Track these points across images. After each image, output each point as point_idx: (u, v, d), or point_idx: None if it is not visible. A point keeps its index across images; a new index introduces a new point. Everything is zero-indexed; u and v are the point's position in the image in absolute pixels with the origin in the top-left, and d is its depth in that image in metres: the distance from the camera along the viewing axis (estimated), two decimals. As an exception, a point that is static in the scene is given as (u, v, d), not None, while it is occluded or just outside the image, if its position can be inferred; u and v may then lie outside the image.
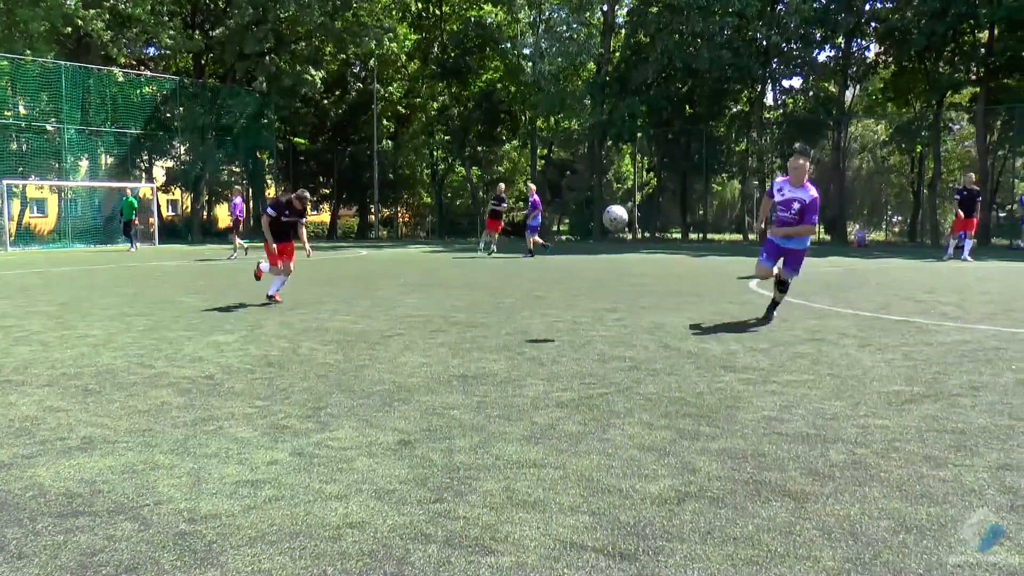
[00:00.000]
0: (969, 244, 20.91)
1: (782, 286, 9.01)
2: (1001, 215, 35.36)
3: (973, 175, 22.13)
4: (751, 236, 42.35)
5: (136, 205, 28.00)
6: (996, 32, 32.30)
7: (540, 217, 24.23)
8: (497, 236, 24.43)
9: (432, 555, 2.98)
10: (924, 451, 4.23)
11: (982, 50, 33.21)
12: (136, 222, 28.14)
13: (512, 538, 3.13)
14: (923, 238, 37.12)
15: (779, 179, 8.76)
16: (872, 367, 6.42)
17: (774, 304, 9.13)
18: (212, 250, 25.87)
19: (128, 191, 28.50)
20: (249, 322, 9.12)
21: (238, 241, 23.84)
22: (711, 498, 3.55)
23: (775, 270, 8.97)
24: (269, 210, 11.22)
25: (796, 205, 8.44)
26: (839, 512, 3.39)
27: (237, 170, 43.00)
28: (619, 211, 9.05)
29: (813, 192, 8.47)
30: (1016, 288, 13.06)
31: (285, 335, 8.13)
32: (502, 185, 25.63)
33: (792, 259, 8.88)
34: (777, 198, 8.60)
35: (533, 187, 25.17)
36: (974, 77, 34.14)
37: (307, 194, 11.22)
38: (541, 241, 24.09)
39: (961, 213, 20.34)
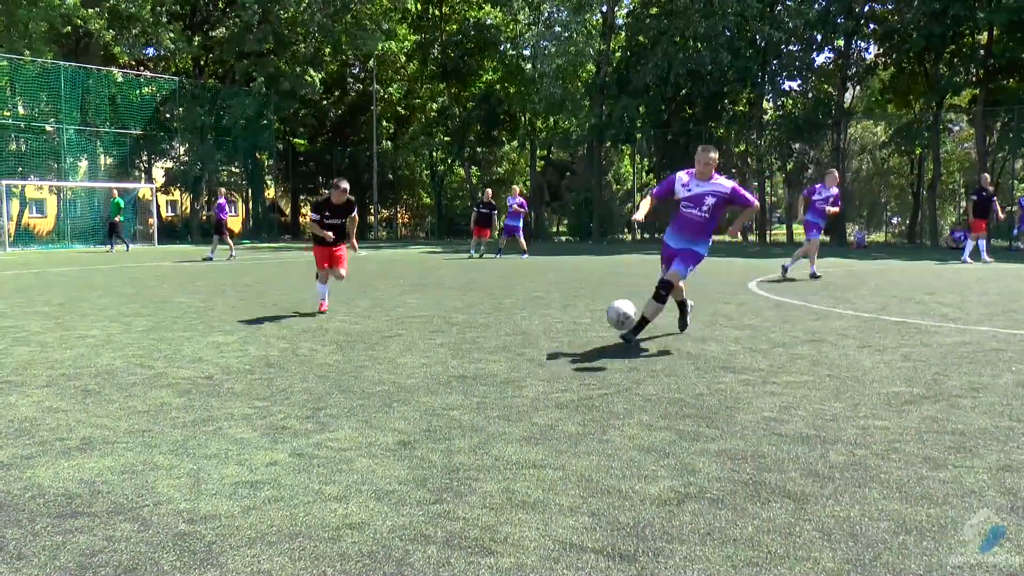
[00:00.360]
0: (970, 246, 20.86)
1: (662, 291, 7.53)
2: (1000, 216, 35.31)
3: (987, 176, 21.97)
4: (751, 237, 42.36)
5: (122, 205, 27.72)
6: (995, 34, 32.35)
7: (519, 219, 24.24)
8: (484, 241, 24.54)
9: (432, 556, 2.98)
10: (924, 452, 4.23)
11: (981, 52, 33.24)
12: (118, 221, 27.75)
13: (512, 539, 3.13)
14: (923, 239, 37.13)
15: (681, 173, 7.63)
16: (872, 368, 6.42)
17: (683, 311, 8.15)
18: (196, 251, 25.78)
19: (115, 192, 28.32)
20: (248, 323, 9.12)
21: (219, 242, 22.85)
22: (711, 499, 3.55)
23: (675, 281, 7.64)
24: (312, 214, 10.17)
25: (710, 200, 7.40)
26: (839, 513, 3.39)
27: (236, 171, 43.04)
28: (627, 309, 7.42)
29: (727, 181, 7.56)
30: (1015, 289, 13.06)
31: (284, 335, 8.12)
32: (489, 191, 25.79)
33: (684, 257, 7.57)
34: (682, 194, 7.49)
35: (516, 188, 25.59)
36: (974, 79, 34.17)
37: (344, 184, 9.90)
38: (503, 245, 24.24)
39: (971, 215, 20.17)
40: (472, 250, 24.15)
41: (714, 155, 7.45)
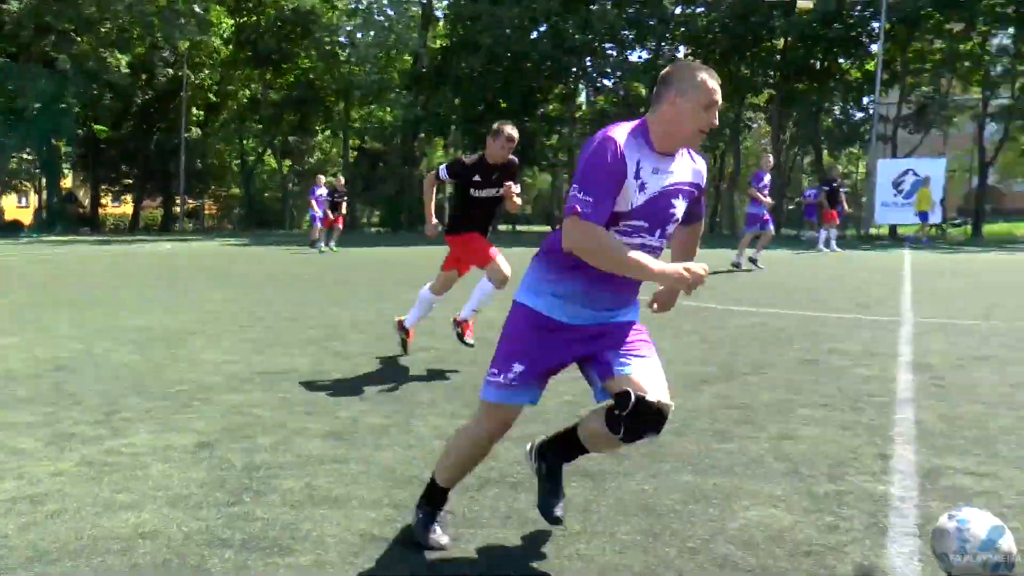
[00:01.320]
0: (823, 235, 21.44)
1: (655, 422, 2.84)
2: (790, 207, 38.35)
3: (839, 167, 22.05)
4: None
5: None
6: (790, 41, 35.32)
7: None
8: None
9: (230, 559, 2.88)
10: (714, 427, 4.52)
11: (778, 56, 36.19)
12: None
13: (312, 536, 3.08)
14: (722, 230, 39.61)
15: (621, 139, 2.69)
16: (670, 350, 6.77)
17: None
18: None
19: None
20: (37, 322, 8.44)
21: None
22: (511, 483, 3.64)
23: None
24: (443, 171, 6.17)
25: (682, 199, 2.87)
26: (634, 488, 3.56)
27: (30, 158, 39.63)
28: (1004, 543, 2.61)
29: (699, 157, 2.95)
30: (797, 275, 14.18)
31: (77, 335, 7.59)
32: (342, 179, 24.04)
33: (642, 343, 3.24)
34: (635, 199, 2.71)
35: (321, 178, 24.05)
36: (771, 80, 37.09)
37: (512, 130, 5.90)
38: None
39: (826, 204, 20.52)
40: (326, 243, 22.35)
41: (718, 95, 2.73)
